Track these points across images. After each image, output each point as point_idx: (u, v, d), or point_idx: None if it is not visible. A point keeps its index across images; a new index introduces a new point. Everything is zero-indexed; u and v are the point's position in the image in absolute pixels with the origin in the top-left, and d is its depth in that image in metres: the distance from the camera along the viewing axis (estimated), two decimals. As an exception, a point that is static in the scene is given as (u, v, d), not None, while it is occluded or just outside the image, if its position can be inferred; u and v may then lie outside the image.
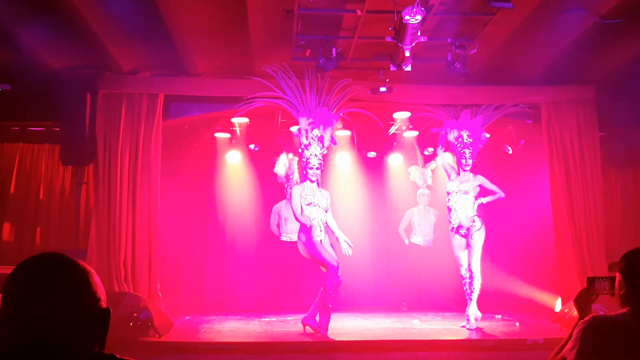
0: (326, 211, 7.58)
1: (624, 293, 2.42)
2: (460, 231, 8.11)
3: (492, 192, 8.21)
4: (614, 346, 2.30)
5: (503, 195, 8.19)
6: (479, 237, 7.99)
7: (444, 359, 6.70)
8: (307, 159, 7.61)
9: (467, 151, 8.24)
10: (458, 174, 8.29)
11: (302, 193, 7.53)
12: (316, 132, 7.64)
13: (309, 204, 7.48)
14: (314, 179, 7.59)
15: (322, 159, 7.67)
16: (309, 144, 7.62)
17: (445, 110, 8.59)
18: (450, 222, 8.25)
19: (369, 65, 8.03)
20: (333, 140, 7.83)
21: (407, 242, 10.46)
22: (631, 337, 2.30)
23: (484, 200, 8.14)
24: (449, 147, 8.59)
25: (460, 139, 8.30)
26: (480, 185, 8.18)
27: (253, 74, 7.79)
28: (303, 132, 7.68)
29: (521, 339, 7.16)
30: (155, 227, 8.29)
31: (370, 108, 8.37)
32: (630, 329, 2.32)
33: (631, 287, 2.40)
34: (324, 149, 7.69)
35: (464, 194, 8.10)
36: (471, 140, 8.28)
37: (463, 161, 8.24)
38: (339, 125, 8.50)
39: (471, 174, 8.22)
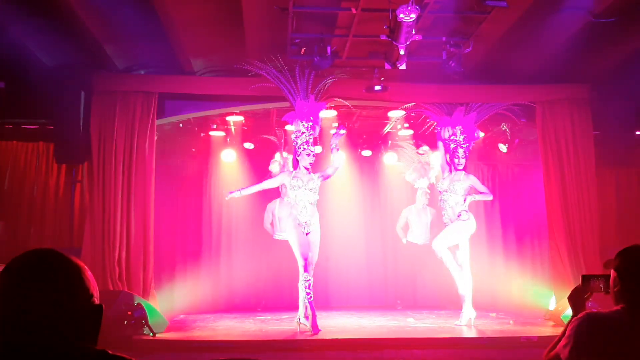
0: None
1: (618, 290, 2.42)
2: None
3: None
4: (608, 343, 2.30)
5: (491, 197, 8.31)
6: (464, 229, 8.03)
7: (439, 356, 6.71)
8: (300, 146, 7.69)
9: (460, 150, 8.26)
10: (450, 172, 8.31)
11: (291, 179, 7.64)
12: (308, 122, 7.75)
13: (294, 188, 7.63)
14: (308, 166, 7.70)
15: (313, 146, 7.80)
16: (302, 133, 7.70)
17: (439, 108, 8.61)
18: (444, 220, 8.32)
19: (364, 63, 8.03)
20: (330, 132, 7.92)
21: (404, 241, 10.43)
22: (625, 334, 2.31)
23: (473, 197, 8.19)
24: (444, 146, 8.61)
25: (453, 137, 8.31)
26: (471, 186, 8.22)
27: (248, 72, 7.78)
28: (296, 121, 7.78)
29: (515, 337, 7.18)
30: (149, 225, 8.27)
31: (365, 106, 8.37)
32: (624, 326, 2.32)
33: (625, 284, 2.40)
34: (314, 136, 7.82)
35: (453, 193, 8.13)
36: (465, 137, 8.30)
37: (456, 160, 8.25)
38: (335, 124, 8.52)
39: (463, 173, 8.24)
